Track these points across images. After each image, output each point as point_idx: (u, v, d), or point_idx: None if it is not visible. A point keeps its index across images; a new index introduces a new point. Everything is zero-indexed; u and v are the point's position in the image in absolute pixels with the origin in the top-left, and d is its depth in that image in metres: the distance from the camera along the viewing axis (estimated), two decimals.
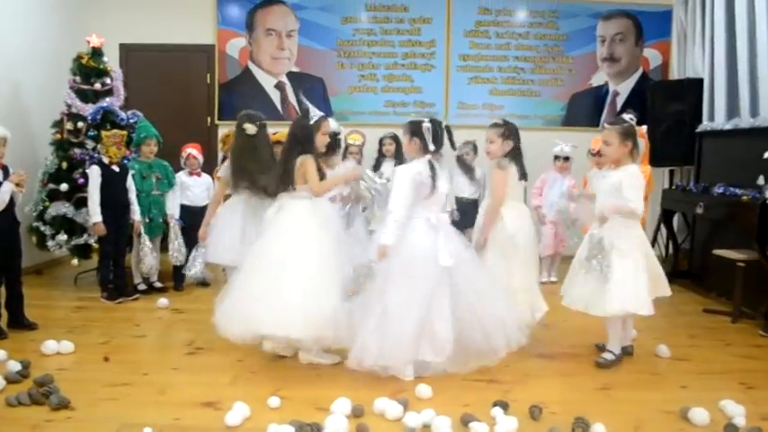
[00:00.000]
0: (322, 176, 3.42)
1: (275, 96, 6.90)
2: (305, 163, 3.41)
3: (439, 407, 2.80)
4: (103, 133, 4.77)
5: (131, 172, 4.87)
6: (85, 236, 5.04)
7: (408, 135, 3.33)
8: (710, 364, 3.59)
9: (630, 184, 3.35)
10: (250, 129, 4.00)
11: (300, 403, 2.88)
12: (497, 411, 2.77)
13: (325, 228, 3.43)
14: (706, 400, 2.89)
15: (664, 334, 4.05)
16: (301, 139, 3.46)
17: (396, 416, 2.73)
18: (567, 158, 5.54)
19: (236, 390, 3.03)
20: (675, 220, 6.20)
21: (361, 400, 2.84)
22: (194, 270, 4.44)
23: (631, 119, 3.50)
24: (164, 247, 5.11)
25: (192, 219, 4.90)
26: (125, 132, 4.87)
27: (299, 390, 3.05)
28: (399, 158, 5.56)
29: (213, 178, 5.42)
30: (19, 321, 3.95)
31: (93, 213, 4.65)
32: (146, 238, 4.89)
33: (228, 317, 3.25)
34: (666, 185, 6.29)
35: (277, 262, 3.26)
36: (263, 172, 3.88)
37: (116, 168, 4.74)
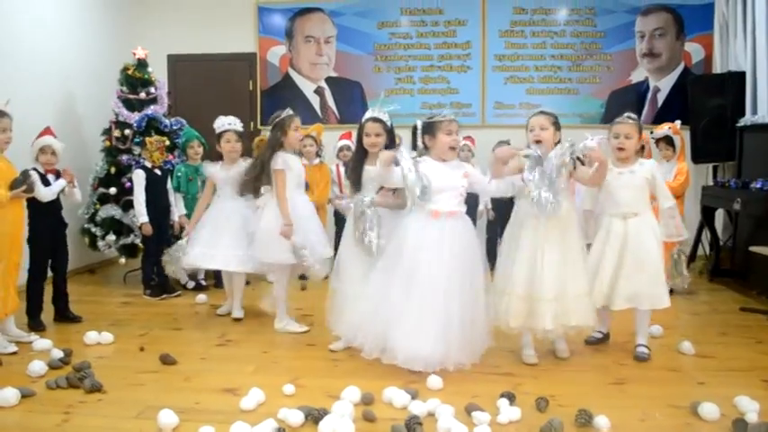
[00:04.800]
0: None
1: (315, 101, 7.11)
2: None
3: (448, 397, 2.86)
4: (147, 139, 5.05)
5: (177, 174, 5.15)
6: (132, 236, 5.34)
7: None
8: (735, 362, 3.50)
9: None
10: None
11: (314, 391, 3.00)
12: (503, 402, 2.81)
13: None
14: (722, 397, 2.83)
15: (693, 331, 3.97)
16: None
17: (403, 404, 2.81)
18: None
19: (256, 378, 3.17)
20: (720, 217, 6.04)
21: (373, 389, 2.93)
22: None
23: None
24: None
25: None
26: (165, 138, 5.15)
27: (314, 379, 3.18)
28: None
29: None
30: (64, 315, 4.24)
31: (140, 214, 4.90)
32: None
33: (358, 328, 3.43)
34: (711, 183, 6.13)
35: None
36: None
37: (158, 172, 5.02)
